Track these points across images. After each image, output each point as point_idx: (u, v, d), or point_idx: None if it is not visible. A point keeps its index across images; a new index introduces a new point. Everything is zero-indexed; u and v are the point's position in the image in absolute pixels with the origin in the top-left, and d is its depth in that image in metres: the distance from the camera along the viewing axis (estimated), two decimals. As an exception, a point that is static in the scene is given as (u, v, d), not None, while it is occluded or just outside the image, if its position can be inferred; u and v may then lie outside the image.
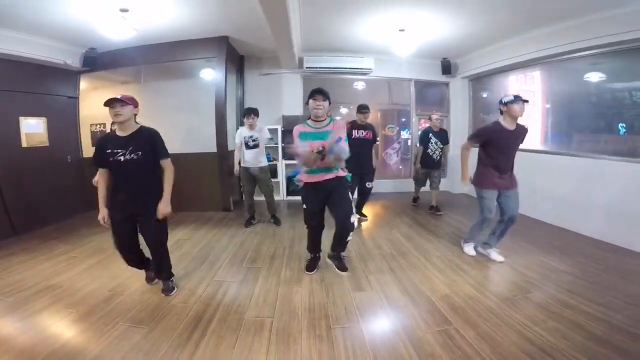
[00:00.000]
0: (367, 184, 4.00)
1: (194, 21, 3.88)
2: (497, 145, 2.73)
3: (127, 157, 2.09)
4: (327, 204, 2.52)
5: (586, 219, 3.62)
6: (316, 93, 2.42)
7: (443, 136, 4.55)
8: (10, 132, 3.97)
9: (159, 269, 2.43)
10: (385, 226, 4.13)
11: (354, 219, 2.43)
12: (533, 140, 4.75)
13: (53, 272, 2.84)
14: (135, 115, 2.20)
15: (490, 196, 2.80)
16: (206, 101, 4.64)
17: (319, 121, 2.47)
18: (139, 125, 2.20)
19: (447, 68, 5.86)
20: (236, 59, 5.33)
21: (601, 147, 3.77)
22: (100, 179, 2.21)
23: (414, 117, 6.29)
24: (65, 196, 4.57)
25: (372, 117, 6.67)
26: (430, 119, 4.63)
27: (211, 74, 4.71)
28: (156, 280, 2.52)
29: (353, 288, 2.48)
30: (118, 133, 2.14)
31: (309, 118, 2.52)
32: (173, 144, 4.87)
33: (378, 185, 5.88)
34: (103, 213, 2.15)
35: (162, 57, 4.58)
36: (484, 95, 5.95)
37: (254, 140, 3.86)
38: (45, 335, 1.92)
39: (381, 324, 2.04)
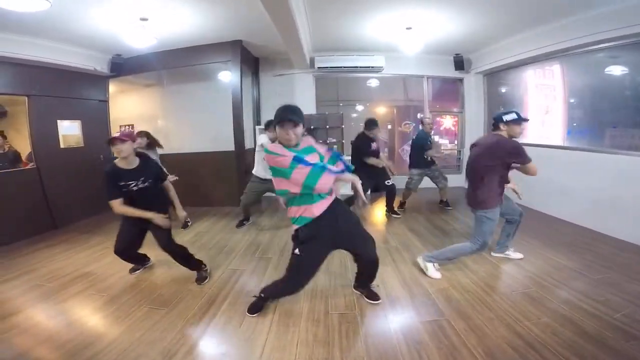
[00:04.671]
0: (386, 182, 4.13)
1: (209, 27, 4.10)
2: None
3: (141, 185, 2.42)
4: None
5: (603, 217, 3.54)
6: (285, 120, 1.73)
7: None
8: (50, 134, 4.40)
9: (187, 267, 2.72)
10: (395, 221, 4.24)
11: None
12: (553, 135, 4.66)
13: (88, 261, 3.18)
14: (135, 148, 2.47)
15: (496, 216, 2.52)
16: (224, 102, 4.89)
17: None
18: (138, 158, 2.47)
19: (459, 64, 5.80)
20: (251, 62, 5.55)
21: (628, 143, 3.61)
22: (122, 207, 2.38)
23: (429, 114, 6.27)
24: (98, 193, 4.97)
25: (388, 113, 6.75)
26: (422, 122, 4.53)
27: (227, 76, 4.95)
28: (139, 271, 2.87)
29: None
30: (124, 166, 2.39)
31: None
32: (193, 144, 5.26)
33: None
34: (152, 215, 2.40)
35: (180, 62, 4.87)
36: (503, 90, 5.83)
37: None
38: (78, 316, 2.22)
39: (376, 312, 2.18)
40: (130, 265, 2.87)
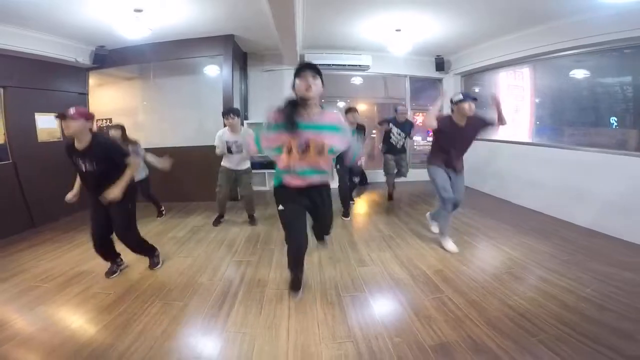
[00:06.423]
0: (353, 178, 4.39)
1: (202, 20, 4.06)
2: (447, 137, 2.92)
3: (88, 168, 2.31)
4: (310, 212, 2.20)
5: (566, 207, 3.93)
6: (304, 69, 1.82)
7: (406, 127, 4.72)
8: (28, 128, 4.14)
9: (136, 252, 2.76)
10: (383, 212, 4.48)
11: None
12: (522, 132, 5.10)
13: (81, 259, 3.02)
14: (90, 128, 2.32)
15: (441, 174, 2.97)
16: (213, 97, 4.84)
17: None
18: (91, 136, 2.30)
19: (440, 65, 6.14)
20: (240, 56, 5.51)
21: (585, 140, 4.02)
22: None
23: (410, 111, 6.57)
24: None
25: (369, 111, 6.99)
26: (395, 110, 4.78)
27: (218, 71, 4.91)
28: (116, 274, 2.68)
29: (358, 264, 2.83)
30: (76, 144, 2.30)
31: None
32: (182, 138, 5.14)
33: (374, 175, 6.22)
34: (72, 194, 2.50)
35: (170, 55, 4.76)
36: (476, 90, 6.25)
37: (238, 146, 3.64)
38: (88, 316, 2.11)
39: (384, 292, 2.38)
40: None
